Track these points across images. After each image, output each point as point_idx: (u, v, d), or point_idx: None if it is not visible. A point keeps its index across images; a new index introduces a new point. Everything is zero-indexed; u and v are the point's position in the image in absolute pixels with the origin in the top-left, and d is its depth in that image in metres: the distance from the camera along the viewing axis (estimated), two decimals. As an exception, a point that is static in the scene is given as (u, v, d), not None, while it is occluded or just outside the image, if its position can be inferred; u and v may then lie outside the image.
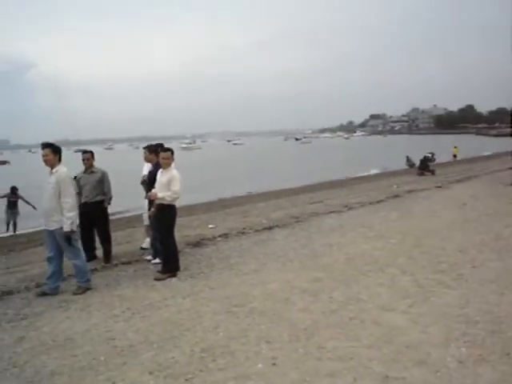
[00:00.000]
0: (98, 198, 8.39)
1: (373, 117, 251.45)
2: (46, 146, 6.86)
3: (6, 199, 15.90)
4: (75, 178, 8.80)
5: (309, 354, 4.25)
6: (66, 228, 6.57)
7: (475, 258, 7.12)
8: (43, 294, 6.76)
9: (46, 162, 6.78)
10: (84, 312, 5.94)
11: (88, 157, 8.55)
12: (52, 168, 6.76)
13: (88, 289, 6.85)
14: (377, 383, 3.65)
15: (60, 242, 6.71)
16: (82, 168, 8.69)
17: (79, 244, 6.95)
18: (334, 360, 4.08)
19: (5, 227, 15.99)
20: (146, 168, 8.62)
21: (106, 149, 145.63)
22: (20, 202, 15.86)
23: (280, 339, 4.60)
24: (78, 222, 6.83)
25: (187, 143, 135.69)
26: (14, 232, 15.78)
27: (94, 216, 8.38)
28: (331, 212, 12.38)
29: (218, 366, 4.15)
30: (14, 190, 15.93)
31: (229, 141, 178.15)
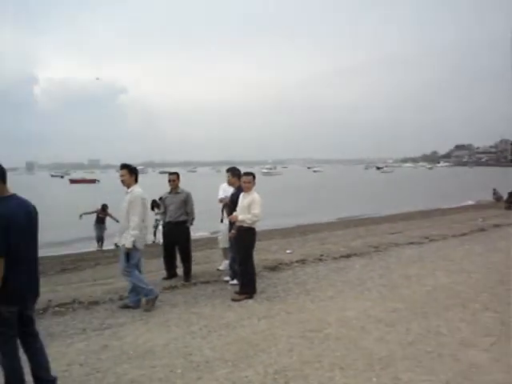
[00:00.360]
0: (182, 218, 8.71)
1: (458, 147, 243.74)
2: (123, 166, 7.17)
3: (95, 215, 16.72)
4: (161, 198, 9.18)
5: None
6: (128, 244, 6.83)
7: None
8: (125, 307, 7.06)
9: (123, 182, 7.09)
10: (163, 326, 6.17)
11: (174, 178, 8.91)
12: (128, 188, 7.06)
13: (156, 297, 7.10)
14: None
15: (120, 257, 7.09)
16: (168, 189, 9.07)
17: (137, 264, 7.13)
18: (409, 392, 4.01)
19: (95, 243, 16.81)
20: (222, 190, 8.92)
21: (190, 171, 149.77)
22: (108, 219, 16.64)
23: (354, 367, 4.58)
24: (142, 242, 7.17)
25: (268, 168, 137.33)
26: (101, 247, 16.52)
27: (177, 235, 8.69)
28: (411, 243, 12.11)
29: (290, 387, 4.20)
30: (104, 207, 16.71)
31: (309, 167, 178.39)
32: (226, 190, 8.96)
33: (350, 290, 7.60)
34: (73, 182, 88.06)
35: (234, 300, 7.24)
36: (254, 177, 7.76)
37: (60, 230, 19.94)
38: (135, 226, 6.85)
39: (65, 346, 5.62)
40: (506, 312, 6.15)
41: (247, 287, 7.43)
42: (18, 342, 4.16)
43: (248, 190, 7.60)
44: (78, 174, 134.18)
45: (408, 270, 8.85)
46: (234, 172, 8.57)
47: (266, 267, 9.41)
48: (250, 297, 7.32)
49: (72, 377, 4.68)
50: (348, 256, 10.59)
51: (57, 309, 7.36)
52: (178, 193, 8.85)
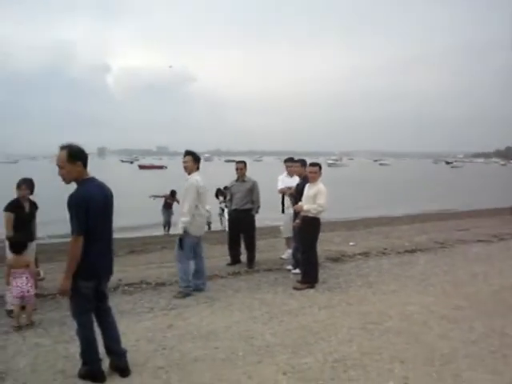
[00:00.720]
0: (247, 206, 8.87)
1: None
2: (188, 153, 7.25)
3: (163, 200, 17.19)
4: (226, 187, 9.39)
5: (443, 379, 4.20)
6: (179, 230, 7.08)
7: None
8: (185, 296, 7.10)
9: (186, 168, 7.18)
10: (226, 310, 6.37)
11: (241, 166, 9.08)
12: (189, 174, 7.17)
13: (188, 294, 7.05)
14: (514, 420, 3.52)
15: (176, 243, 7.22)
16: (234, 177, 9.26)
17: (192, 251, 7.27)
18: (469, 390, 4.00)
19: (162, 228, 17.33)
20: (281, 181, 9.06)
21: (255, 160, 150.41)
22: (175, 205, 17.08)
23: (414, 361, 4.59)
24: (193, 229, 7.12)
25: (334, 160, 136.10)
26: (168, 231, 16.93)
27: (242, 223, 8.87)
28: (479, 241, 11.79)
29: (349, 376, 4.27)
30: (173, 193, 17.04)
31: (375, 160, 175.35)
32: (285, 181, 9.08)
33: (413, 284, 7.54)
34: (142, 167, 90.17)
35: (295, 288, 7.35)
36: (320, 167, 7.81)
37: (129, 214, 20.64)
38: (186, 212, 6.99)
39: (133, 322, 5.92)
40: None
41: (309, 276, 7.51)
42: (93, 315, 4.46)
43: (314, 180, 7.66)
44: (146, 160, 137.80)
45: (474, 268, 8.65)
46: (302, 162, 8.66)
47: (328, 258, 9.45)
48: (312, 286, 7.40)
49: (140, 351, 4.94)
50: (412, 251, 10.46)
51: (126, 288, 7.73)
52: (245, 181, 9.01)
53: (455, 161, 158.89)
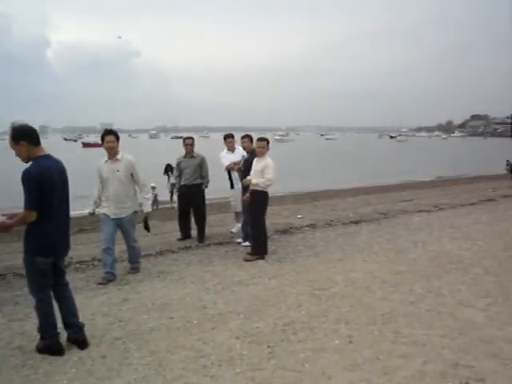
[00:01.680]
0: (197, 181, 9.01)
1: (474, 117, 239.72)
2: (110, 132, 6.86)
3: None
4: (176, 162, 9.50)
5: (384, 336, 4.54)
6: (148, 209, 7.13)
7: None
8: (107, 282, 6.73)
9: (112, 148, 6.72)
10: (179, 283, 6.55)
11: (190, 142, 9.18)
12: (115, 155, 6.75)
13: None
14: (446, 368, 3.88)
15: (128, 226, 6.89)
16: (182, 153, 9.35)
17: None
18: (407, 344, 4.35)
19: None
20: (224, 158, 9.33)
21: (202, 137, 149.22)
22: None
23: (358, 321, 4.92)
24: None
25: (281, 135, 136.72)
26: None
27: (192, 197, 9.01)
28: (420, 211, 12.34)
29: (298, 338, 4.56)
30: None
31: (322, 135, 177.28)
32: (228, 157, 9.28)
33: (357, 253, 7.91)
34: (86, 145, 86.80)
35: (246, 260, 7.59)
36: (267, 142, 8.01)
37: (76, 192, 20.30)
38: (148, 189, 7.33)
39: (88, 298, 6.02)
40: (505, 276, 6.43)
41: (259, 248, 7.77)
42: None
43: (262, 154, 7.86)
44: (90, 138, 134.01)
45: (415, 237, 9.11)
46: (250, 138, 8.86)
47: (277, 230, 9.73)
48: (262, 257, 7.66)
49: (97, 325, 5.07)
50: (357, 222, 10.88)
51: (78, 265, 7.79)
52: (194, 157, 9.11)
53: (399, 135, 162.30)
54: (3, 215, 4.46)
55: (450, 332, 4.60)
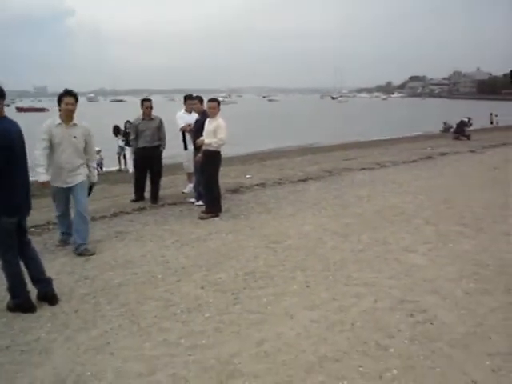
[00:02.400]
0: (156, 143, 9.09)
1: (412, 79, 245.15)
2: (70, 93, 6.21)
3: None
4: (131, 123, 9.51)
5: (337, 281, 4.95)
6: (95, 179, 6.75)
7: (497, 215, 7.59)
8: (66, 244, 6.72)
9: (72, 111, 6.18)
10: (139, 242, 6.73)
11: (150, 105, 9.16)
12: (72, 119, 6.24)
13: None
14: (394, 304, 4.33)
15: (80, 194, 6.41)
16: (122, 117, 9.35)
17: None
18: (359, 286, 4.78)
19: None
20: (181, 119, 9.38)
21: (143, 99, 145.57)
22: None
23: (313, 269, 5.31)
24: None
25: (223, 97, 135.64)
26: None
27: (152, 160, 9.09)
28: (363, 168, 12.88)
29: (259, 285, 4.91)
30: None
31: (264, 97, 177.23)
32: (185, 118, 9.39)
33: (307, 208, 8.30)
34: (20, 110, 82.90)
35: (201, 218, 7.84)
36: (218, 103, 8.18)
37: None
38: (96, 158, 7.27)
39: (49, 260, 6.08)
40: (443, 225, 6.99)
41: (213, 206, 8.02)
42: None
43: (214, 115, 8.03)
44: (24, 103, 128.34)
45: (360, 192, 9.60)
46: (199, 99, 8.97)
47: (228, 190, 9.97)
48: (216, 215, 7.93)
49: (63, 283, 5.22)
50: (305, 180, 11.29)
51: (33, 229, 7.76)
52: (152, 119, 9.15)
53: (340, 96, 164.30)
54: None
55: (396, 274, 5.08)
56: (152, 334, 3.98)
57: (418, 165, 13.70)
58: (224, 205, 8.43)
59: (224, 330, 3.97)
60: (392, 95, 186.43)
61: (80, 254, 6.25)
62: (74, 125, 6.25)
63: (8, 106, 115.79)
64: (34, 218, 8.57)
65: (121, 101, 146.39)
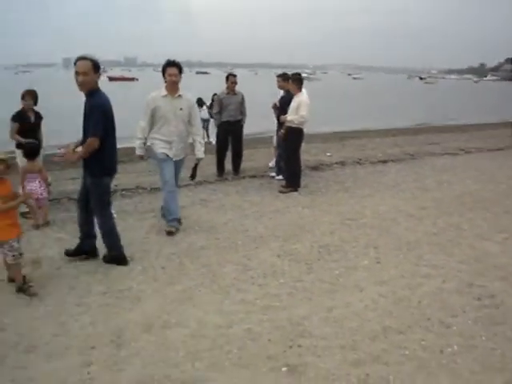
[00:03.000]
0: (239, 117, 9.46)
1: (508, 61, 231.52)
2: (174, 64, 6.05)
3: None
4: (216, 97, 9.91)
5: (408, 260, 5.14)
6: (202, 154, 6.39)
7: None
8: (176, 231, 6.20)
9: (175, 83, 6.02)
10: (221, 210, 7.16)
11: (236, 80, 9.52)
12: (177, 91, 6.11)
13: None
14: (462, 287, 4.48)
15: (181, 169, 6.49)
16: (211, 89, 9.70)
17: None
18: (428, 267, 4.94)
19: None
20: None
21: (226, 72, 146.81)
22: None
23: (385, 247, 5.51)
24: None
25: (308, 73, 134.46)
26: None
27: (234, 132, 9.48)
28: (446, 153, 12.69)
29: (332, 258, 5.19)
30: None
31: (349, 74, 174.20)
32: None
33: (385, 190, 8.42)
34: (111, 79, 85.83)
35: (280, 192, 8.17)
36: (297, 80, 8.43)
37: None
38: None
39: (139, 220, 6.68)
40: (524, 216, 6.92)
41: (293, 181, 8.32)
42: None
43: (297, 92, 8.27)
44: (115, 72, 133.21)
45: (440, 177, 9.56)
46: (283, 77, 9.19)
47: (307, 166, 10.22)
48: (295, 190, 8.23)
49: (152, 242, 5.74)
50: (385, 161, 11.34)
51: (124, 192, 8.43)
52: (236, 94, 9.52)
53: (429, 76, 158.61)
54: (60, 148, 5.07)
55: (467, 259, 5.18)
56: (230, 293, 4.37)
57: (504, 153, 13.30)
58: (303, 181, 8.68)
59: (296, 296, 4.29)
60: (484, 78, 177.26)
61: (170, 232, 6.04)
62: (179, 96, 6.08)
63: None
64: (123, 182, 9.27)
65: (205, 73, 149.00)
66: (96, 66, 4.76)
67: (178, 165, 6.31)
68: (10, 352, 3.44)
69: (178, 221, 6.31)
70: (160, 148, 6.11)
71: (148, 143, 6.22)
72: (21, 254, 4.41)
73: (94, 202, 5.07)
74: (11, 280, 4.50)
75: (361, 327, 3.71)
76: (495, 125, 24.46)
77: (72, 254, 5.19)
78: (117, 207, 7.32)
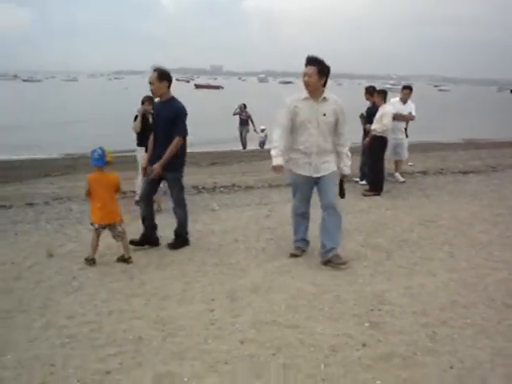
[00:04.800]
0: None
1: None
2: (314, 61, 5.13)
3: (238, 117, 17.94)
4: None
5: (479, 255, 5.76)
6: (347, 170, 5.53)
7: None
8: (301, 254, 5.76)
9: (309, 84, 5.12)
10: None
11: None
12: (320, 93, 5.19)
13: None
14: (525, 280, 5.07)
15: (328, 186, 5.38)
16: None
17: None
18: (498, 262, 5.54)
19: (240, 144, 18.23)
20: (393, 104, 10.08)
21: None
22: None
23: (459, 245, 6.15)
24: None
25: (392, 84, 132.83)
26: (244, 148, 17.87)
27: None
28: (529, 167, 12.89)
29: (410, 250, 5.92)
30: (244, 106, 17.77)
31: (435, 86, 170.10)
32: (396, 106, 9.95)
33: (463, 197, 8.95)
34: (198, 87, 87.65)
35: (364, 195, 8.92)
36: (380, 92, 9.36)
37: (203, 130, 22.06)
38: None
39: (238, 212, 7.71)
40: None
41: (376, 186, 9.05)
42: None
43: (381, 103, 9.08)
44: (201, 80, 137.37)
45: (520, 188, 9.93)
46: (367, 90, 9.93)
47: (390, 173, 10.84)
48: (378, 194, 8.95)
49: (250, 229, 6.73)
50: (466, 172, 11.76)
51: (222, 189, 9.53)
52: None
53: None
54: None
55: (535, 259, 5.74)
56: (321, 270, 5.23)
57: None
58: (385, 186, 9.36)
59: (377, 276, 5.06)
60: None
61: (328, 262, 5.33)
62: (324, 99, 5.19)
63: (188, 82, 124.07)
64: (220, 180, 10.41)
65: (289, 82, 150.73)
66: (162, 76, 5.72)
67: (321, 182, 5.35)
68: (151, 299, 4.47)
69: (307, 242, 5.84)
70: (296, 167, 5.39)
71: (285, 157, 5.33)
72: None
73: (175, 197, 6.01)
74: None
75: (432, 301, 4.44)
76: None
77: (137, 243, 5.93)
78: (218, 201, 8.44)
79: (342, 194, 5.73)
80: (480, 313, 4.23)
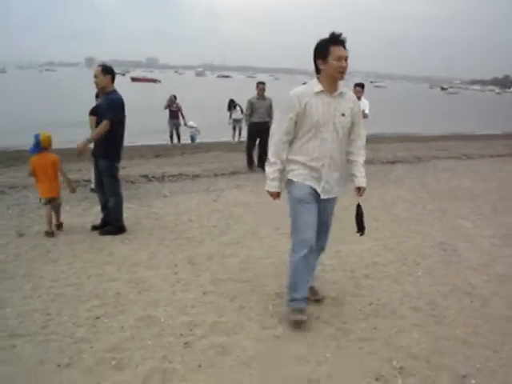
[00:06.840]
0: (267, 119, 11.17)
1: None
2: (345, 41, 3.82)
3: (168, 110, 17.15)
4: (248, 100, 11.64)
5: (400, 228, 6.83)
6: (364, 182, 4.38)
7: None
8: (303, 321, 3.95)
9: (343, 71, 3.78)
10: (254, 192, 8.89)
11: (263, 87, 11.30)
12: (337, 87, 3.83)
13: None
14: (434, 244, 6.16)
15: (329, 215, 4.25)
16: (253, 94, 11.44)
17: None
18: (414, 233, 6.62)
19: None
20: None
21: (249, 77, 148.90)
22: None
23: (384, 220, 7.19)
24: None
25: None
26: (179, 141, 17.56)
27: (262, 132, 11.19)
28: (450, 158, 14.29)
29: (342, 226, 6.83)
30: (175, 97, 17.02)
31: (371, 82, 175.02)
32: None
33: (390, 183, 10.09)
34: (134, 80, 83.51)
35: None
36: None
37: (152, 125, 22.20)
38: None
39: (187, 198, 8.43)
40: (500, 205, 8.49)
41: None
42: None
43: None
44: (137, 73, 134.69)
45: (440, 176, 11.18)
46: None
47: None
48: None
49: (202, 212, 7.48)
50: (393, 162, 13.02)
51: (170, 178, 10.24)
52: (265, 99, 11.28)
53: (451, 87, 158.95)
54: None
55: (444, 229, 6.86)
56: (268, 239, 6.09)
57: (505, 159, 14.74)
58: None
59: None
60: (508, 90, 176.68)
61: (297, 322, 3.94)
62: (341, 95, 3.87)
63: (123, 75, 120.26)
64: (167, 170, 11.08)
65: (227, 76, 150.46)
66: (106, 70, 6.10)
67: (326, 207, 4.10)
68: (122, 266, 5.20)
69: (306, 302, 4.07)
70: (302, 178, 3.91)
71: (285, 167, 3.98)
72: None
73: (108, 186, 6.26)
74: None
75: (358, 261, 5.45)
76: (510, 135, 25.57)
77: (98, 227, 6.38)
78: (168, 189, 9.16)
79: (361, 229, 4.42)
80: (395, 268, 5.26)
